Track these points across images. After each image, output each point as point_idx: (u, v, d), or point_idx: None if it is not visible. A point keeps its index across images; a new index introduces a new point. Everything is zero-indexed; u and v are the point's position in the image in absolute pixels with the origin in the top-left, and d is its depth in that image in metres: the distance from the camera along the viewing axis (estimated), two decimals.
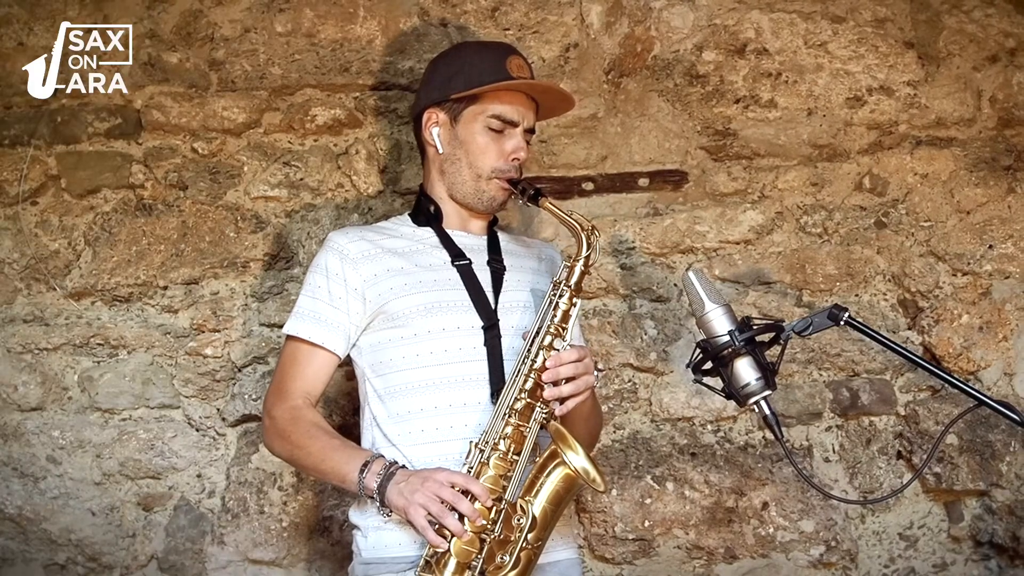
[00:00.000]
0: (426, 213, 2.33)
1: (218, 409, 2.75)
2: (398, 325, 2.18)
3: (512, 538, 1.95)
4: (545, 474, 2.00)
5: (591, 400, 2.22)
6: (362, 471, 2.02)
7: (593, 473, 1.98)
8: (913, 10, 2.83)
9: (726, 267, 2.79)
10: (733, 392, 2.08)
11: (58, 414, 2.75)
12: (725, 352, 2.05)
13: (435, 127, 2.29)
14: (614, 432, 2.74)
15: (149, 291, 2.77)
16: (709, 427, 2.75)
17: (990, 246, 2.78)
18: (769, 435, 2.67)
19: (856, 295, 2.79)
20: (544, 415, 2.05)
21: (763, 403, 2.06)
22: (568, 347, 2.08)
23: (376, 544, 2.12)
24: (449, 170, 2.29)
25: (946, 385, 2.26)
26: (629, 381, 2.76)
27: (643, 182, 2.82)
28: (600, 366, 2.15)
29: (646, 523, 2.70)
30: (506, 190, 2.26)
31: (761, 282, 2.79)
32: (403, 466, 2.05)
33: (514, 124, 2.25)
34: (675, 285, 2.78)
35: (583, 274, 2.14)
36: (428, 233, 2.30)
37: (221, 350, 2.75)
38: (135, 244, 2.77)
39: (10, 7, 2.81)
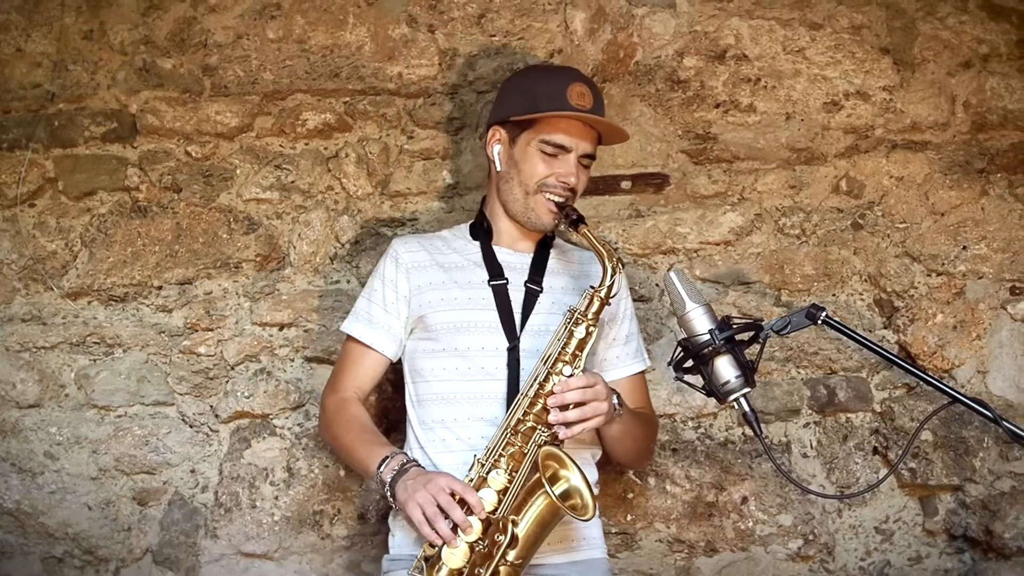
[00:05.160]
0: (479, 227, 2.34)
1: (211, 406, 2.71)
2: (431, 338, 2.22)
3: (492, 554, 1.91)
4: (533, 497, 1.94)
5: (628, 424, 2.16)
6: (380, 466, 2.05)
7: (580, 500, 1.93)
8: (889, 17, 2.77)
9: (706, 267, 2.74)
10: (713, 389, 2.03)
11: (55, 411, 2.70)
12: (706, 350, 2.00)
13: (497, 144, 2.28)
14: None
15: (144, 291, 2.73)
16: (690, 423, 2.70)
17: (964, 247, 2.72)
18: (748, 431, 2.64)
19: (833, 295, 2.72)
20: (545, 438, 2.01)
21: (742, 400, 2.01)
22: (579, 374, 2.03)
23: (401, 542, 2.18)
24: (503, 188, 2.27)
25: (921, 383, 2.23)
26: None
27: (626, 184, 2.76)
28: (617, 400, 2.06)
29: (628, 517, 2.65)
30: (552, 212, 2.21)
31: (741, 282, 2.73)
32: (418, 464, 2.07)
33: (566, 150, 2.20)
34: (657, 285, 2.73)
35: (603, 305, 2.09)
36: (476, 248, 2.31)
37: (214, 348, 2.70)
38: (130, 245, 2.73)
39: (8, 13, 2.77)
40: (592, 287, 2.09)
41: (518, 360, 2.16)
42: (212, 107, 2.74)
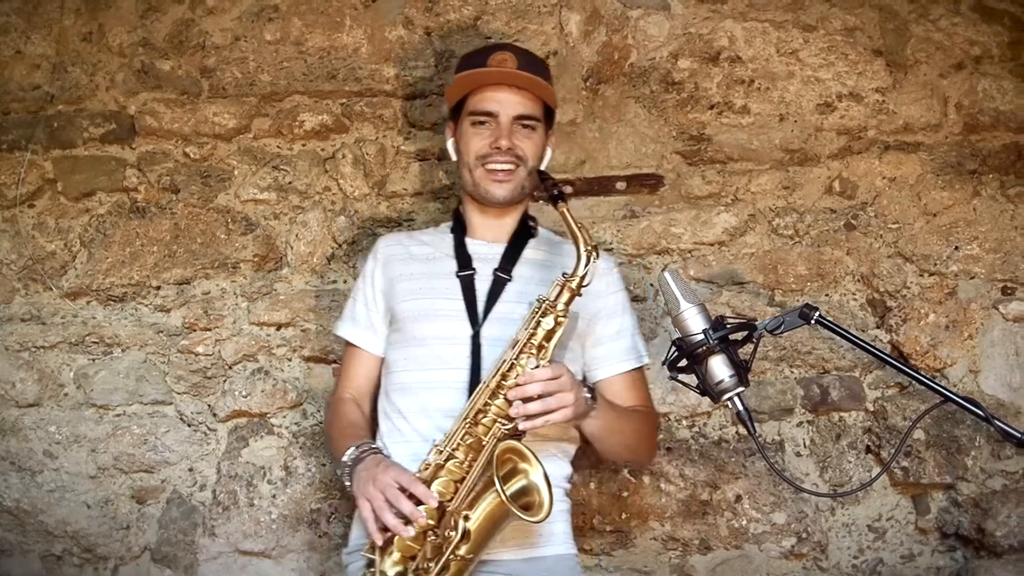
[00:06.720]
0: (456, 222, 2.33)
1: (209, 405, 2.69)
2: (398, 329, 2.20)
3: (443, 549, 1.85)
4: (487, 492, 1.87)
5: (608, 420, 2.07)
6: (344, 455, 2.04)
7: (537, 497, 1.86)
8: (882, 19, 2.74)
9: (701, 268, 2.70)
10: (707, 389, 2.00)
11: (54, 410, 2.69)
12: (700, 350, 1.96)
13: (450, 139, 2.30)
14: None
15: (142, 291, 2.72)
16: (684, 422, 2.66)
17: (956, 247, 2.69)
18: (742, 430, 2.61)
19: (826, 295, 2.69)
20: (506, 430, 1.93)
21: (736, 399, 1.97)
22: (544, 365, 1.94)
23: (358, 535, 2.14)
24: (461, 175, 2.27)
25: (913, 382, 2.19)
26: None
27: (620, 185, 2.73)
28: (588, 394, 2.00)
29: (623, 515, 2.62)
30: (497, 181, 2.18)
31: (734, 282, 2.70)
32: (375, 451, 2.04)
33: (492, 114, 2.17)
34: (651, 285, 2.69)
35: (573, 295, 2.00)
36: (451, 241, 2.28)
37: (212, 348, 2.69)
38: (129, 245, 2.72)
39: (8, 16, 2.76)
40: (564, 275, 2.00)
41: (480, 347, 2.09)
42: (210, 108, 2.73)
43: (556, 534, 2.12)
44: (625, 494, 2.61)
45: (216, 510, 2.63)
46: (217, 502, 2.64)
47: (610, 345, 2.24)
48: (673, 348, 2.03)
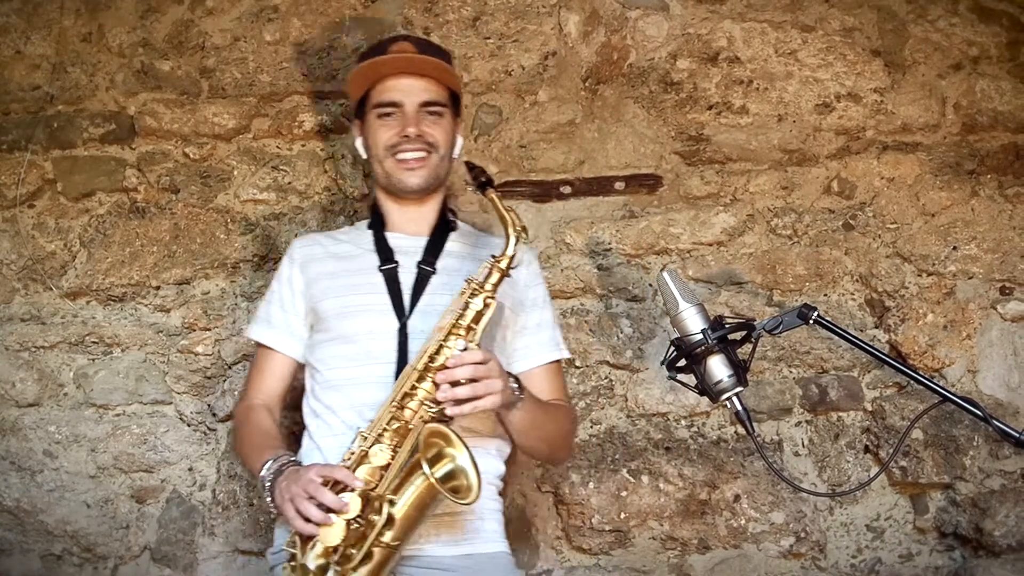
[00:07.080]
0: (374, 218, 2.28)
1: (209, 405, 2.68)
2: (323, 328, 2.14)
3: (367, 534, 1.80)
4: (413, 476, 1.82)
5: (532, 413, 2.02)
6: (262, 469, 1.96)
7: (465, 481, 1.81)
8: (880, 20, 2.74)
9: (699, 268, 2.70)
10: (706, 388, 2.00)
11: (54, 410, 2.68)
12: (698, 350, 1.97)
13: (359, 138, 2.26)
14: (591, 427, 2.65)
15: (142, 291, 2.71)
16: (683, 422, 2.66)
17: (954, 247, 2.69)
18: (741, 430, 2.60)
19: (825, 295, 2.69)
20: (433, 414, 1.87)
21: (735, 399, 1.98)
22: (472, 348, 1.89)
23: (282, 534, 2.06)
24: (374, 171, 2.23)
25: (912, 382, 2.19)
26: (605, 378, 2.67)
27: (619, 186, 2.72)
28: (514, 384, 1.97)
29: (622, 515, 2.61)
30: (410, 170, 2.15)
31: (733, 282, 2.70)
32: (295, 462, 1.97)
33: (397, 104, 2.15)
34: (650, 285, 2.69)
35: (502, 276, 1.96)
36: (370, 237, 2.23)
37: (212, 348, 2.68)
38: (129, 245, 2.71)
39: (8, 16, 2.76)
40: (493, 256, 1.96)
41: (407, 340, 2.04)
42: (210, 109, 2.72)
43: (487, 531, 2.06)
44: (624, 493, 2.60)
45: (216, 510, 2.63)
46: (217, 501, 2.63)
47: (531, 336, 2.21)
48: (672, 348, 2.03)
